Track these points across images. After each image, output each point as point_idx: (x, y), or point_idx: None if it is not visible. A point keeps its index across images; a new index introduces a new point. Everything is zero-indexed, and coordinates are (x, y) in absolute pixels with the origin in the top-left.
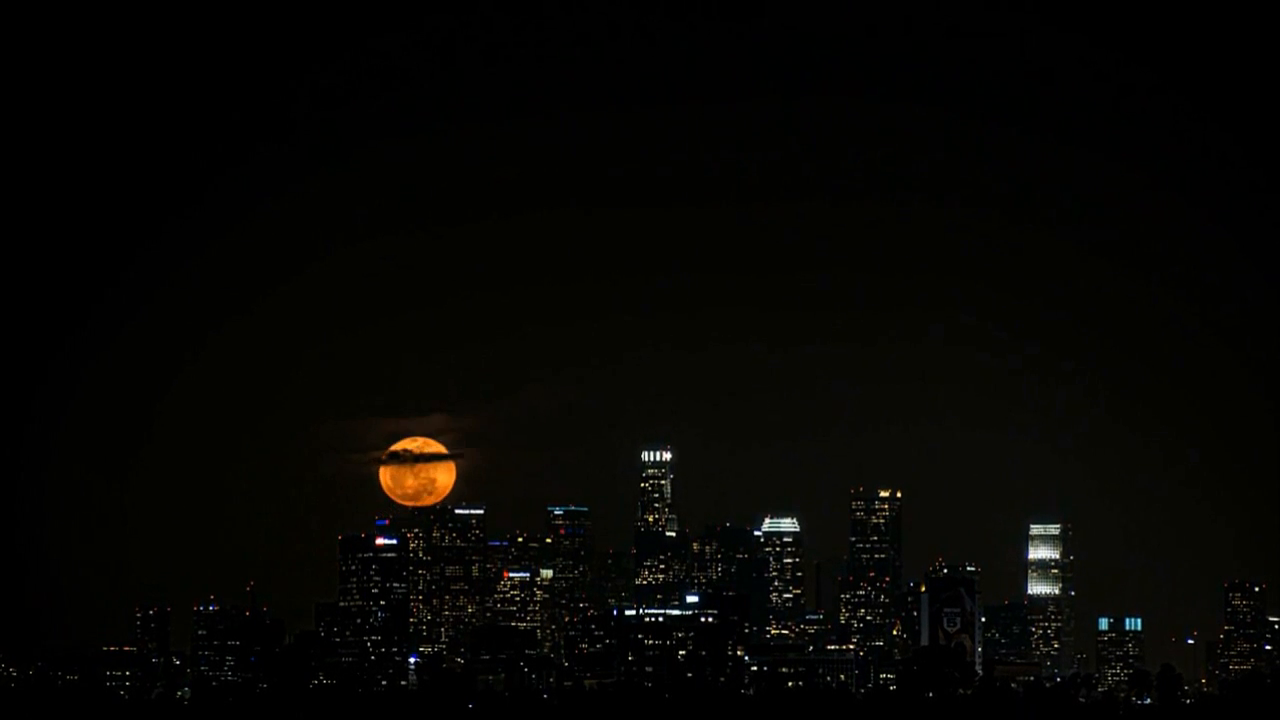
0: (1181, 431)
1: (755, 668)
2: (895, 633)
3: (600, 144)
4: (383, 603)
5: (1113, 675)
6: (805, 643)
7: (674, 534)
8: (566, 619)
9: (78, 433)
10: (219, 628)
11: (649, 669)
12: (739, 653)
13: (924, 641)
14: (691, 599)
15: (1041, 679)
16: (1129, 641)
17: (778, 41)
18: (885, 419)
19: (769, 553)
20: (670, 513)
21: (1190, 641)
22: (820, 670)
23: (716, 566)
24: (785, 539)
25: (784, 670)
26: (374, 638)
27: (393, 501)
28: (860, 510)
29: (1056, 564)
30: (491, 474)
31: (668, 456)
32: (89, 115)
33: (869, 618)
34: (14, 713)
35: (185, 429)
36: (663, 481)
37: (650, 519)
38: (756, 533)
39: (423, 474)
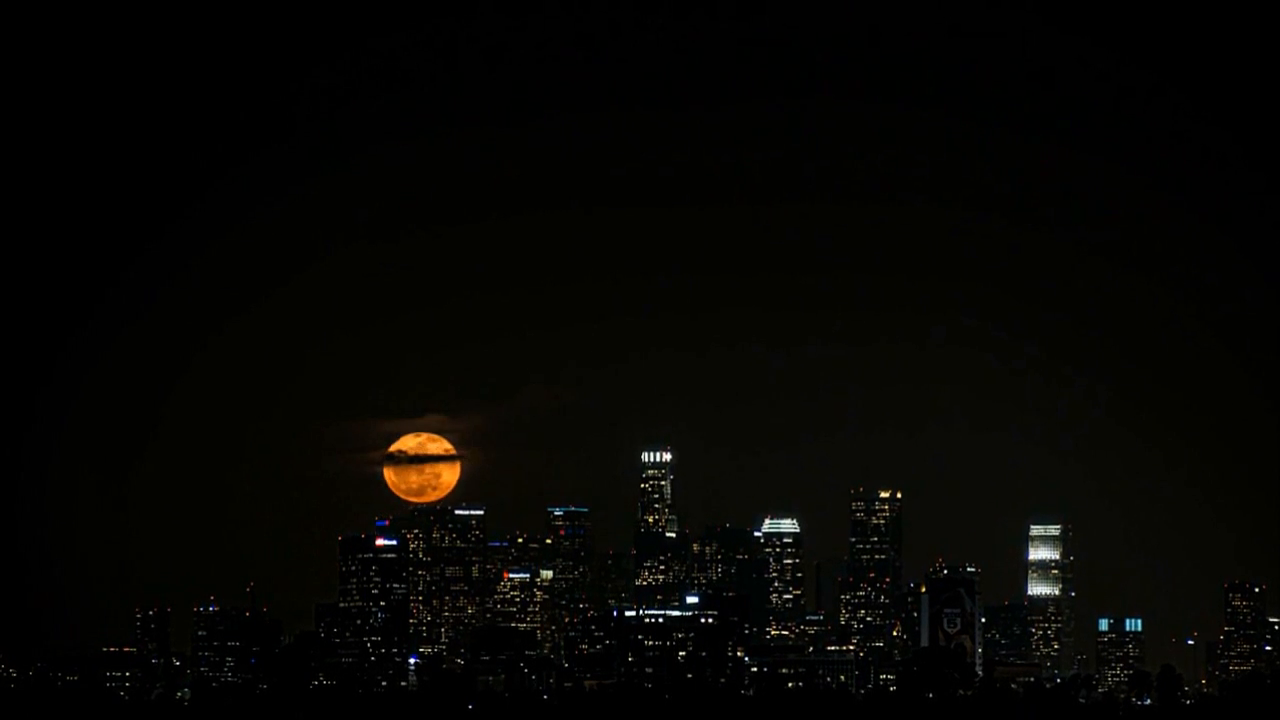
0: (1182, 432)
1: (755, 668)
2: (895, 633)
3: (601, 145)
4: (383, 603)
5: (1113, 676)
6: (805, 643)
7: (674, 535)
8: (566, 620)
9: (79, 433)
10: (219, 628)
11: (649, 670)
12: (739, 653)
13: (924, 642)
14: (691, 600)
15: (1042, 680)
16: (1129, 642)
17: (780, 42)
18: (886, 420)
19: (769, 553)
20: (670, 513)
21: (1190, 642)
22: (820, 671)
23: (716, 567)
24: (785, 540)
25: (784, 671)
26: (374, 638)
27: (394, 501)
28: (860, 511)
29: (1057, 565)
30: (492, 475)
31: (668, 457)
32: (90, 116)
33: (869, 618)
34: (14, 713)
35: (185, 429)
36: (663, 482)
37: (650, 520)
38: (756, 533)
39: (427, 469)
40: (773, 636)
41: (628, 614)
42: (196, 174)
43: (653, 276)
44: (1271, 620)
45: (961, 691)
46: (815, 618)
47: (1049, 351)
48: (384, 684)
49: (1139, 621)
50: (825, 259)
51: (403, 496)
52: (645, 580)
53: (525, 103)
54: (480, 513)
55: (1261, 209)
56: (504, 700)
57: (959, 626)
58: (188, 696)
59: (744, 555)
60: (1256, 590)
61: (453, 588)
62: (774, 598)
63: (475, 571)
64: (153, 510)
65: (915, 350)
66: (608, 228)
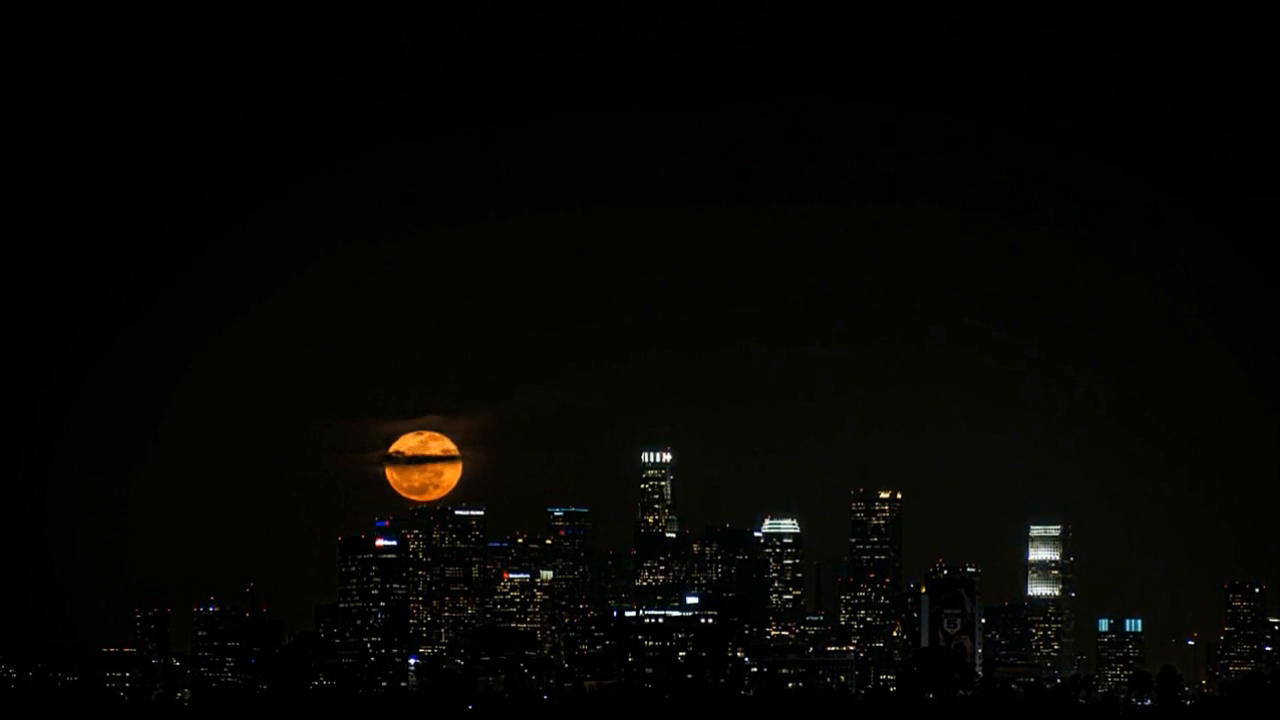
0: (1182, 432)
1: (755, 669)
2: (895, 634)
3: (601, 144)
4: (383, 604)
5: (1113, 676)
6: (805, 644)
7: (674, 535)
8: (566, 620)
9: (78, 434)
10: (219, 629)
11: (649, 670)
12: (739, 654)
13: (924, 643)
14: (691, 600)
15: (1042, 680)
16: (1129, 643)
17: (780, 42)
18: (886, 420)
19: (769, 554)
20: (670, 514)
21: (1190, 643)
22: (820, 671)
23: (716, 567)
24: (785, 540)
25: (784, 671)
26: (374, 639)
27: (394, 501)
28: (860, 511)
29: (1057, 565)
30: (491, 475)
31: (668, 458)
32: (89, 116)
33: (869, 619)
34: (14, 713)
35: (185, 430)
36: (663, 483)
37: (650, 520)
38: (756, 534)
39: (429, 467)
40: (773, 637)
41: (628, 614)
42: (196, 174)
43: (652, 277)
44: (1272, 621)
45: (961, 692)
46: (815, 618)
47: (1049, 352)
48: (384, 684)
49: (1139, 622)
50: (825, 259)
51: (404, 495)
52: (645, 581)
53: (525, 102)
54: (480, 513)
55: (1262, 209)
56: (504, 701)
57: (959, 627)
58: (188, 697)
59: (744, 555)
60: (1257, 591)
61: (453, 588)
62: (774, 598)
63: (475, 572)
64: (153, 510)
65: (915, 350)
66: (607, 228)
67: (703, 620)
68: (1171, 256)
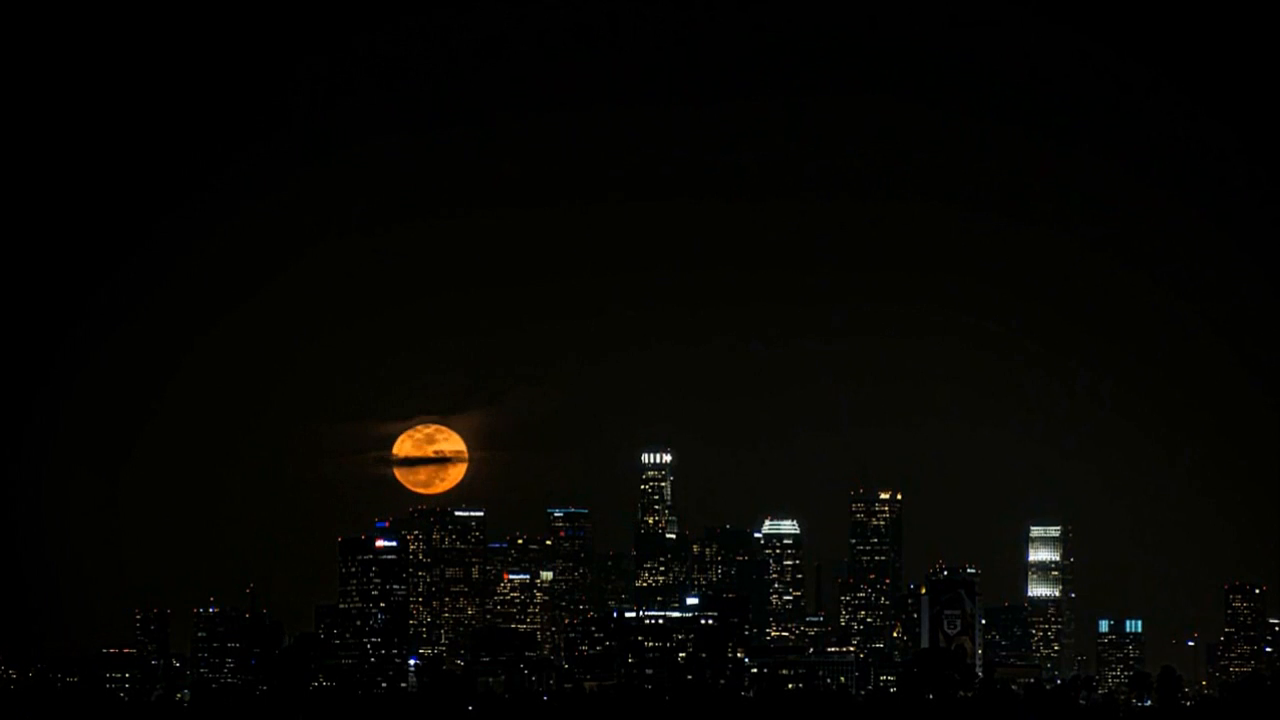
0: (1182, 432)
1: (755, 670)
2: (895, 635)
3: (600, 140)
4: (382, 605)
5: (1113, 677)
6: (805, 645)
7: (674, 536)
8: (566, 621)
9: (76, 434)
10: (219, 630)
11: (649, 671)
12: (739, 655)
13: (924, 643)
14: (691, 601)
15: (1042, 681)
16: (1129, 643)
17: (780, 38)
18: (885, 419)
19: (769, 555)
20: (670, 515)
21: (1191, 644)
22: (820, 672)
23: (716, 568)
24: (785, 541)
25: (784, 672)
26: (374, 640)
27: (394, 502)
28: (860, 512)
29: (1057, 566)
30: (491, 476)
31: (667, 458)
32: (82, 112)
33: (869, 620)
34: (14, 715)
35: (183, 430)
36: (663, 483)
37: (650, 521)
38: (756, 534)
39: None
40: (773, 638)
41: (628, 615)
42: (190, 170)
43: (651, 274)
44: (1272, 621)
45: (962, 693)
46: (815, 619)
47: (1049, 350)
48: (384, 685)
49: (1139, 623)
50: (824, 256)
51: (411, 488)
52: (645, 581)
53: (522, 97)
54: (480, 514)
55: (1262, 206)
56: (504, 701)
57: (959, 628)
58: (187, 698)
59: (744, 556)
60: (1257, 591)
61: (453, 589)
62: (774, 599)
63: (475, 573)
64: (152, 511)
65: (914, 348)
66: (606, 223)
67: (703, 621)
68: (1172, 253)
